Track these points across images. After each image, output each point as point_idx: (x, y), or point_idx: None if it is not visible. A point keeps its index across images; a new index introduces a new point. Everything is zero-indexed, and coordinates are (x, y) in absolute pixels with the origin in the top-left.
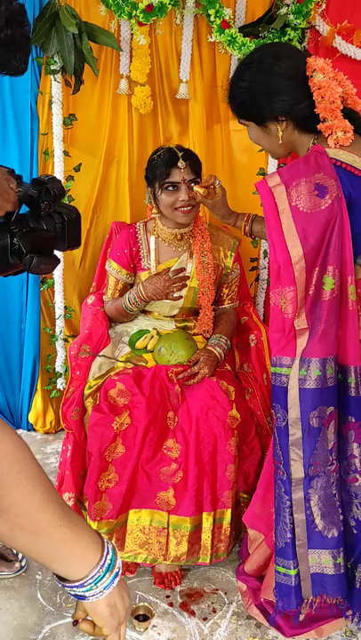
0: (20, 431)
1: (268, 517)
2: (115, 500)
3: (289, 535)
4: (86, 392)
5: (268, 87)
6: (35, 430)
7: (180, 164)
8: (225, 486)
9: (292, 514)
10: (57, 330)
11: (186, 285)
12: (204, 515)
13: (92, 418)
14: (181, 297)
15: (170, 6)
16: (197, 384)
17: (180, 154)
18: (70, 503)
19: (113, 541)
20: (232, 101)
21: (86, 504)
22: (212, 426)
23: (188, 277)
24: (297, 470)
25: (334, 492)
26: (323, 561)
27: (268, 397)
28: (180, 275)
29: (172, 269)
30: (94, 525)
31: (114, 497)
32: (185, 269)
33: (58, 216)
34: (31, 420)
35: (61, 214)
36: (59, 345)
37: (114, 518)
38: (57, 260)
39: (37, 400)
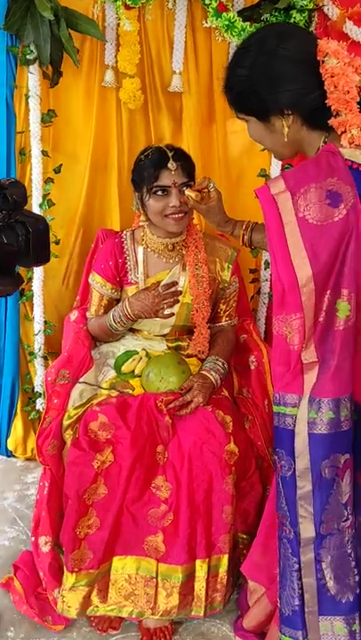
0: None
1: (270, 567)
2: (96, 548)
3: (297, 602)
4: (65, 423)
5: (272, 73)
6: (15, 456)
7: (171, 165)
8: (221, 530)
9: (300, 578)
10: (36, 346)
11: (178, 301)
12: (198, 562)
13: (70, 455)
14: (173, 314)
15: None
16: (190, 414)
17: (170, 154)
18: (47, 548)
19: (94, 593)
20: (229, 92)
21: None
22: (206, 462)
23: (181, 292)
24: (306, 529)
25: (349, 550)
26: (336, 629)
27: (269, 426)
28: (172, 290)
29: (162, 284)
30: (72, 578)
31: (94, 544)
32: (177, 283)
33: (21, 227)
34: (10, 446)
35: (25, 225)
36: (38, 363)
37: (95, 568)
38: (18, 280)
39: (17, 424)
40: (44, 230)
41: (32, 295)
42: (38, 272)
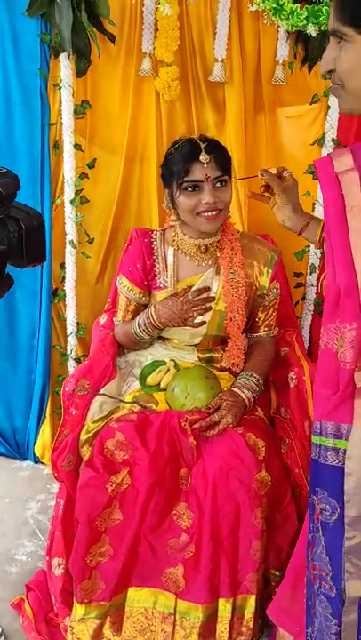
0: (26, 463)
1: (300, 614)
2: (108, 579)
3: None
4: (83, 437)
5: None
6: (42, 463)
7: (203, 157)
8: (248, 568)
9: None
10: (68, 348)
11: (210, 309)
12: (221, 602)
13: (83, 475)
14: (204, 323)
15: None
16: (218, 436)
17: (202, 145)
18: (60, 571)
19: (107, 625)
20: None
21: None
22: (233, 491)
23: (213, 299)
24: (354, 587)
25: None
26: None
27: (309, 451)
28: (203, 295)
29: (193, 289)
30: (81, 609)
31: (107, 574)
32: (209, 289)
33: (13, 223)
34: (37, 451)
35: (18, 221)
36: (70, 365)
37: (106, 600)
38: (9, 281)
39: (45, 428)
40: (39, 227)
41: (65, 295)
42: (70, 272)
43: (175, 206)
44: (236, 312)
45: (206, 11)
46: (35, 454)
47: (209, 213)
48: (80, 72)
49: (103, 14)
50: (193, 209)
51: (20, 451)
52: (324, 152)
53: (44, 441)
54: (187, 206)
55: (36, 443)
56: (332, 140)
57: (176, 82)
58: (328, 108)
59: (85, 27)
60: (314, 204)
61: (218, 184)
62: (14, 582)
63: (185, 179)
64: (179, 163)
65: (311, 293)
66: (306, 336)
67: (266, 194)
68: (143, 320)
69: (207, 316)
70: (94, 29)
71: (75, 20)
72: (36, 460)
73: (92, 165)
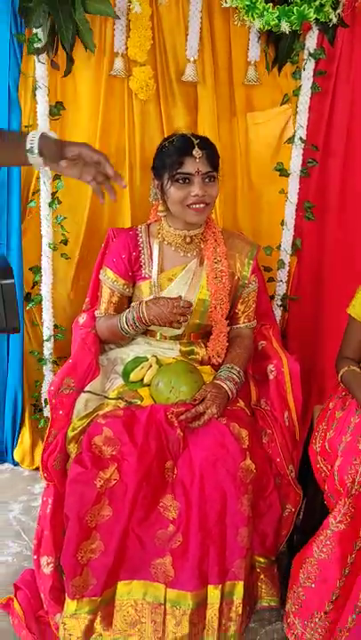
0: (5, 465)
1: None
2: (99, 574)
3: None
4: (69, 434)
5: None
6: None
7: (196, 152)
8: (236, 554)
9: None
10: (46, 352)
11: (187, 320)
12: (210, 588)
13: (72, 471)
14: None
15: None
16: (203, 427)
17: (195, 141)
18: (49, 569)
19: (98, 620)
20: None
21: None
22: (220, 480)
23: (190, 311)
24: None
25: None
26: None
27: (289, 440)
28: (187, 307)
29: (184, 298)
30: (73, 605)
31: (98, 570)
32: (191, 305)
33: None
34: (17, 457)
35: None
36: (47, 369)
37: (98, 595)
38: None
39: (25, 434)
40: (9, 291)
41: (40, 299)
42: (47, 275)
43: (165, 197)
44: (221, 300)
45: (178, 11)
46: (14, 459)
47: (197, 205)
48: (68, 71)
49: (104, 13)
50: (183, 200)
51: None
52: (294, 151)
53: (23, 447)
54: (177, 197)
55: (16, 449)
56: (300, 139)
57: (152, 81)
58: (298, 107)
59: (79, 25)
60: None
61: (207, 179)
62: (1, 583)
63: (178, 170)
64: (173, 155)
65: (281, 289)
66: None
67: None
68: (132, 315)
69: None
70: (90, 27)
71: (68, 17)
72: (15, 463)
73: None
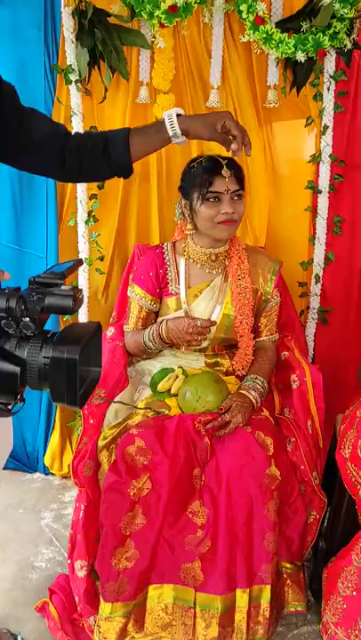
0: (36, 475)
1: None
2: (133, 580)
3: None
4: (100, 443)
5: None
6: (52, 474)
7: (225, 172)
8: (263, 559)
9: None
10: None
11: (205, 338)
12: (238, 592)
13: (107, 479)
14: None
15: (196, 5)
16: (229, 435)
17: (223, 162)
18: (83, 573)
19: (130, 623)
20: None
21: None
22: (246, 486)
23: (209, 331)
24: None
25: None
26: None
27: (313, 448)
28: (206, 325)
29: (203, 318)
30: (108, 608)
31: (133, 577)
32: (215, 323)
33: (49, 348)
34: (47, 462)
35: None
36: None
37: (132, 599)
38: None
39: (54, 440)
40: (71, 365)
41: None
42: (84, 289)
43: (193, 215)
44: (246, 315)
45: (201, 41)
46: (44, 465)
47: (228, 222)
48: (103, 97)
49: (138, 44)
50: (213, 218)
51: (30, 463)
52: (323, 168)
53: (52, 451)
54: (207, 215)
55: (46, 453)
56: (330, 156)
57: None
58: (326, 127)
59: (114, 55)
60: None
61: (235, 197)
62: (35, 588)
63: (209, 190)
64: (203, 175)
65: (315, 302)
66: (311, 343)
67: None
68: (153, 331)
69: (216, 320)
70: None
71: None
72: (46, 472)
73: (101, 186)
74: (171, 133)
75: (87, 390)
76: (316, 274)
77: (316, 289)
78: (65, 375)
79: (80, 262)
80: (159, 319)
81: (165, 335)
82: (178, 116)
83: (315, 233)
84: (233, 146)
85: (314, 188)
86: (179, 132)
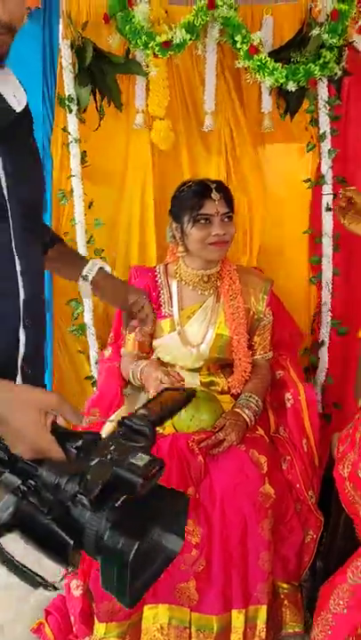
0: None
1: None
2: None
3: None
4: None
5: None
6: None
7: (214, 195)
8: (258, 578)
9: None
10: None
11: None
12: (234, 613)
13: None
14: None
15: (190, 42)
16: (223, 454)
17: (212, 185)
18: (78, 592)
19: None
20: None
21: None
22: (240, 505)
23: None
24: None
25: None
26: None
27: (308, 467)
28: (175, 383)
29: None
30: (102, 628)
31: None
32: (179, 380)
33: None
34: None
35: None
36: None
37: (127, 619)
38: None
39: None
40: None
41: (83, 328)
42: (88, 306)
43: (184, 238)
44: (242, 335)
45: (194, 68)
46: None
47: (218, 243)
48: (98, 125)
49: (134, 72)
50: (204, 239)
51: None
52: (326, 189)
53: None
54: (198, 237)
55: None
56: (332, 177)
57: (172, 133)
58: (331, 151)
59: (110, 84)
60: (315, 238)
61: (225, 219)
62: (33, 608)
63: (199, 212)
64: (193, 198)
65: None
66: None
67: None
68: (134, 368)
69: (210, 341)
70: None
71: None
72: None
73: (98, 223)
74: (84, 273)
75: (147, 582)
76: (326, 281)
77: (324, 309)
78: (115, 567)
79: (193, 394)
80: (142, 362)
81: (139, 374)
82: (101, 269)
83: (314, 252)
84: (133, 322)
85: (317, 181)
86: (90, 277)
